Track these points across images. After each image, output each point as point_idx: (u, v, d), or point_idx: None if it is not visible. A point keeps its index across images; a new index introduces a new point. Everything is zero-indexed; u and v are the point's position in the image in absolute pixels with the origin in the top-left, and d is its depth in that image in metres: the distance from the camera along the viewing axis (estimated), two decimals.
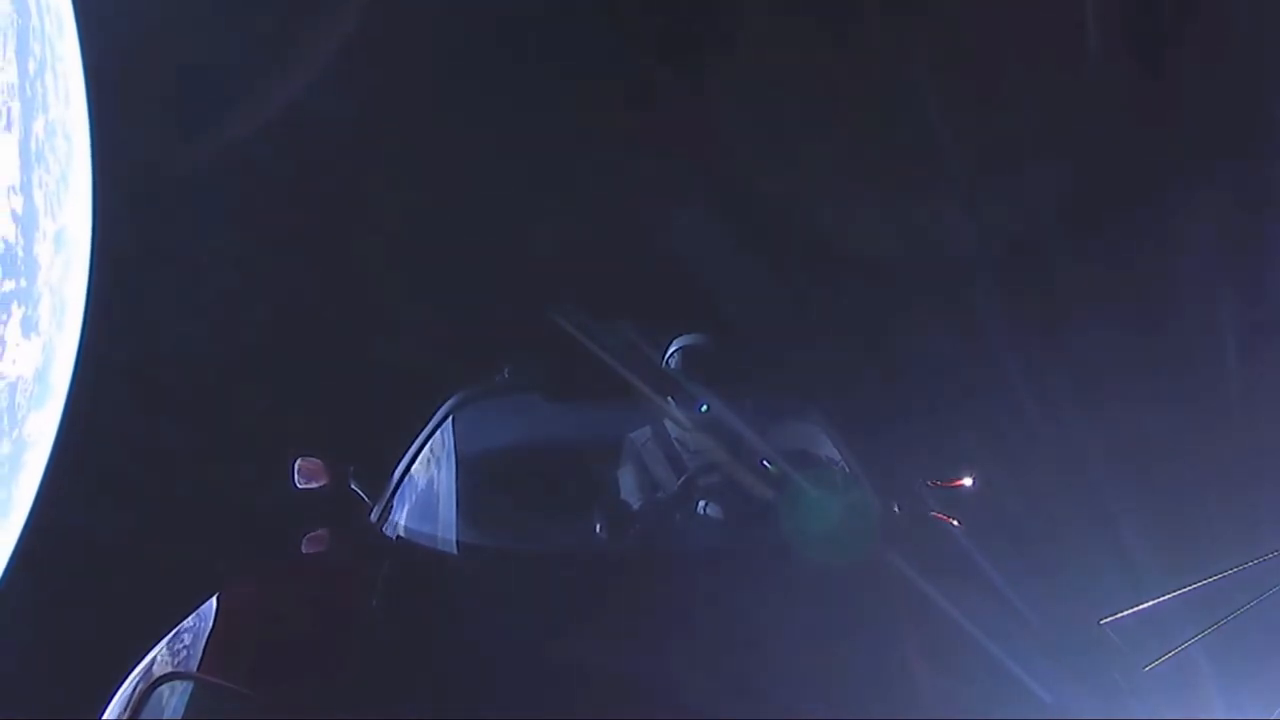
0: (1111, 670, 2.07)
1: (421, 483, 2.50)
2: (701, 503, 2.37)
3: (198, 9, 4.09)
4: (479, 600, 2.05)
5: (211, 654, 1.85)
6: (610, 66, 4.26)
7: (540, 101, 4.23)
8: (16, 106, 3.42)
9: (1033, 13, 4.31)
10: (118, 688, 1.91)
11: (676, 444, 2.49)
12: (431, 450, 2.56)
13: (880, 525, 2.42)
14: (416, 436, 2.61)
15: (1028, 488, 3.47)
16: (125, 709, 1.82)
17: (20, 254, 3.46)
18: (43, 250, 3.65)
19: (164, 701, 1.81)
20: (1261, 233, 4.20)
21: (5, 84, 3.35)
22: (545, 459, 2.58)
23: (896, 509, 2.53)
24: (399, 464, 2.57)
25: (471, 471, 2.44)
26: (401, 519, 2.41)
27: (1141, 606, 2.56)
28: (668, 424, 2.53)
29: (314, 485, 2.56)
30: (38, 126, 3.59)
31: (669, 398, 2.55)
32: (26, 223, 3.50)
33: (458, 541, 2.26)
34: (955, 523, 2.59)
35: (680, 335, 2.78)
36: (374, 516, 2.49)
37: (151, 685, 1.84)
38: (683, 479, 2.40)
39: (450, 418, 2.60)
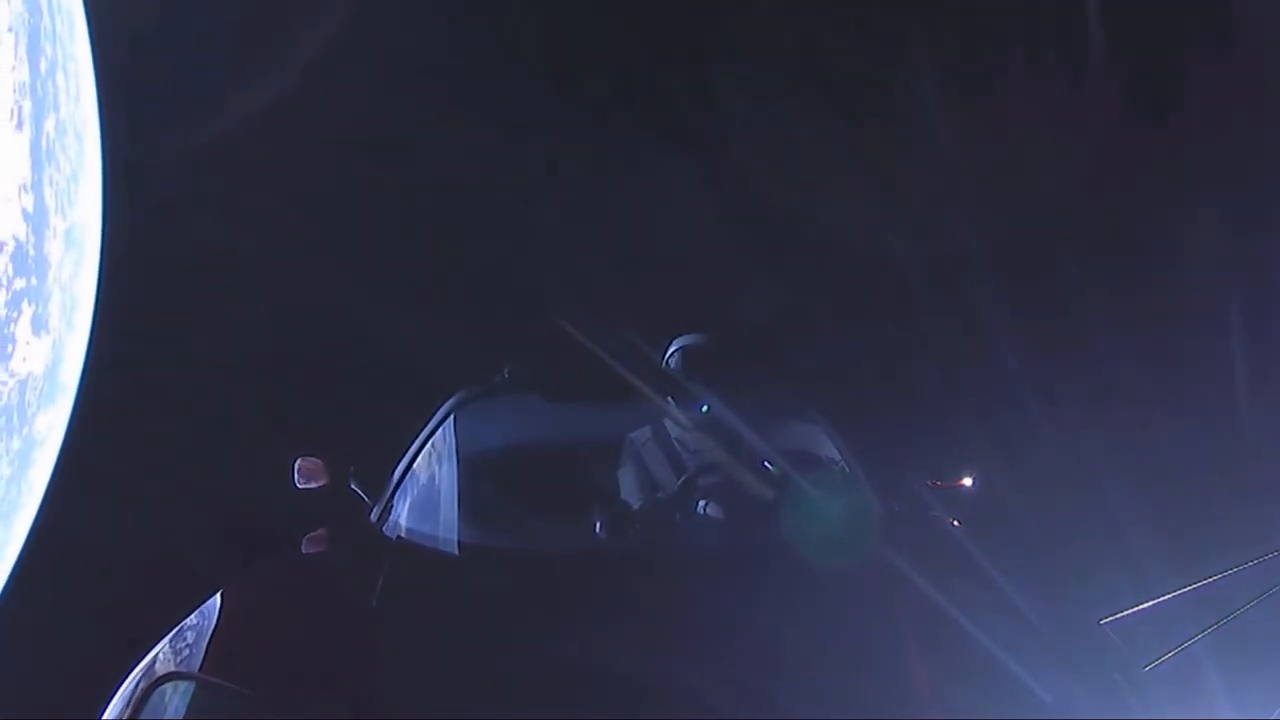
0: (1111, 670, 2.05)
1: (422, 483, 2.50)
2: (701, 503, 2.37)
3: (208, 9, 4.10)
4: (479, 600, 2.05)
5: (214, 653, 1.85)
6: (610, 66, 4.26)
7: (541, 101, 4.23)
8: (28, 105, 3.43)
9: (1036, 10, 4.30)
10: (118, 686, 1.92)
11: (676, 444, 2.48)
12: (431, 450, 2.56)
13: (880, 525, 2.41)
14: (416, 436, 2.61)
15: (1028, 488, 3.47)
16: (126, 707, 1.82)
17: (31, 252, 3.47)
18: (53, 248, 3.66)
19: (165, 701, 1.81)
20: (1268, 232, 4.19)
21: (17, 83, 3.36)
22: (545, 459, 2.58)
23: (896, 509, 2.52)
24: (399, 464, 2.57)
25: (471, 471, 2.44)
26: (401, 519, 2.41)
27: (1141, 606, 2.56)
28: (668, 424, 2.53)
29: (314, 485, 2.56)
30: (49, 125, 3.60)
31: (669, 398, 2.55)
32: (37, 221, 3.51)
33: (458, 541, 2.26)
34: (955, 523, 2.59)
35: (680, 335, 2.78)
36: (374, 516, 2.49)
37: (152, 685, 1.84)
38: (683, 479, 2.40)
39: (450, 418, 2.60)
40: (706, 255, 4.23)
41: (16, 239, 3.38)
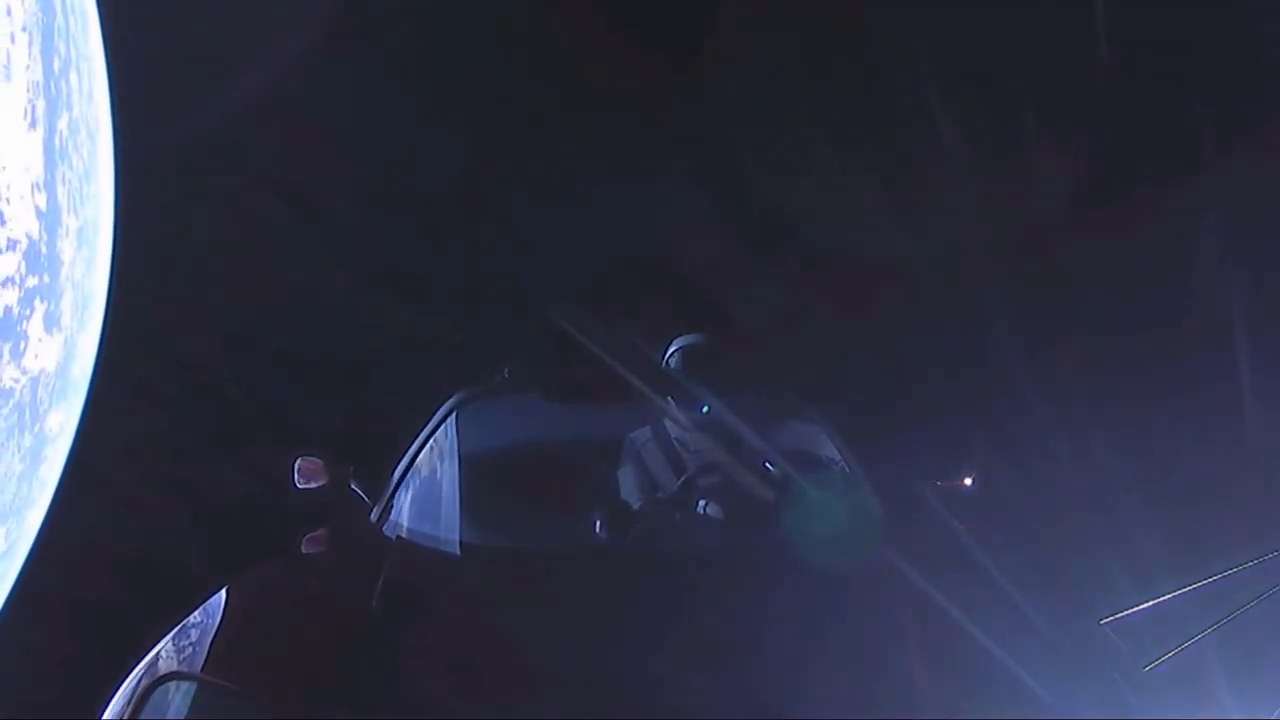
0: (1111, 670, 2.06)
1: (422, 483, 2.49)
2: (701, 503, 2.36)
3: (221, 8, 4.10)
4: (479, 600, 2.04)
5: (214, 653, 1.85)
6: (610, 65, 4.25)
7: (542, 99, 4.23)
8: (41, 104, 3.44)
9: (1038, 8, 4.30)
10: (119, 685, 1.91)
11: (676, 444, 2.48)
12: (431, 450, 2.55)
13: (880, 525, 2.40)
14: (416, 436, 2.61)
15: (1029, 488, 3.47)
16: (127, 706, 1.81)
17: (43, 250, 3.48)
18: (65, 246, 3.67)
19: (164, 700, 1.80)
20: (1275, 232, 4.18)
21: (30, 82, 3.36)
22: (545, 459, 2.57)
23: (897, 509, 2.51)
24: (399, 464, 2.57)
25: (472, 471, 2.43)
26: (401, 519, 2.40)
27: (1141, 606, 2.55)
28: (668, 424, 2.53)
29: (314, 485, 2.55)
30: (61, 124, 3.62)
31: (669, 398, 2.55)
32: (50, 219, 3.52)
33: (457, 541, 2.26)
34: (956, 523, 2.58)
35: (680, 335, 2.76)
36: (374, 516, 2.48)
37: (153, 684, 1.83)
38: (683, 479, 2.39)
39: (450, 418, 2.60)
40: (707, 255, 4.23)
41: (29, 237, 3.39)
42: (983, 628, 1.92)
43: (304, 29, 4.14)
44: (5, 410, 3.50)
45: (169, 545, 3.64)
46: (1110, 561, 2.90)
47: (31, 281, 3.45)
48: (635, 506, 2.39)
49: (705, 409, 2.50)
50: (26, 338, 3.48)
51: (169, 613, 2.03)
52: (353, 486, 2.59)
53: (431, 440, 2.57)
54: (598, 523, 2.28)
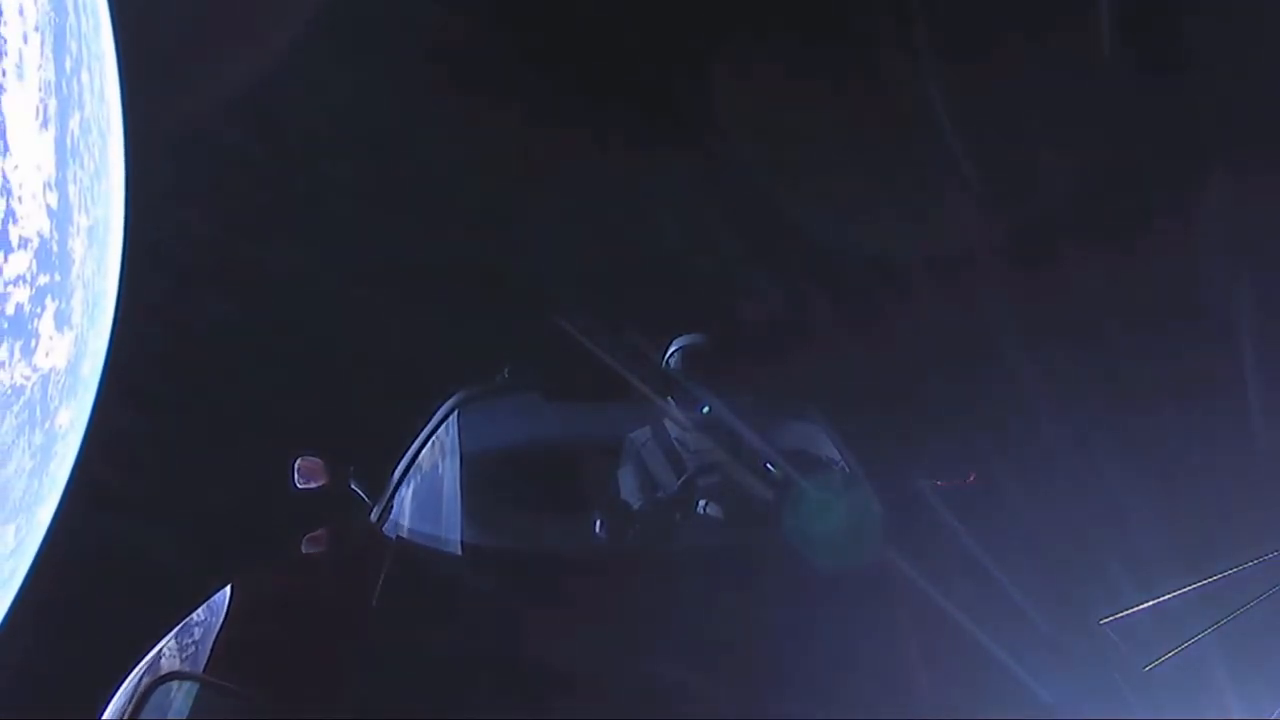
0: (1111, 670, 2.05)
1: (421, 482, 2.48)
2: (701, 503, 2.35)
3: (232, 8, 4.09)
4: (479, 600, 2.04)
5: (217, 652, 1.84)
6: (610, 64, 4.24)
7: (542, 99, 4.22)
8: (53, 103, 3.45)
9: (1040, 7, 4.27)
10: (119, 684, 1.90)
11: (676, 444, 2.46)
12: (431, 450, 2.54)
13: (880, 525, 2.38)
14: (416, 436, 2.59)
15: (1029, 488, 3.44)
16: (128, 705, 1.80)
17: (55, 249, 3.49)
18: (76, 245, 3.69)
19: (164, 700, 1.79)
20: (1275, 229, 4.14)
21: (43, 81, 3.37)
22: (545, 459, 2.56)
23: (897, 509, 2.49)
24: (399, 464, 2.56)
25: (471, 471, 2.41)
26: (401, 519, 2.39)
27: (1141, 606, 2.53)
28: (668, 424, 2.51)
29: (314, 485, 2.55)
30: (73, 123, 3.63)
31: (669, 398, 2.52)
32: (61, 218, 3.54)
33: (457, 541, 2.24)
34: (956, 522, 2.56)
35: (680, 335, 2.75)
36: (374, 516, 2.47)
37: (153, 684, 1.82)
38: (683, 479, 2.37)
39: (450, 417, 2.58)
40: (707, 255, 4.21)
41: (41, 235, 3.41)
42: (983, 628, 1.91)
43: (314, 28, 4.13)
44: (16, 407, 3.51)
45: (177, 542, 3.64)
46: (1110, 561, 2.88)
47: (43, 280, 3.46)
48: (635, 506, 2.37)
49: (706, 409, 2.48)
50: (37, 335, 3.49)
51: (170, 612, 2.02)
52: (353, 486, 2.59)
53: (431, 440, 2.56)
54: (598, 523, 2.26)
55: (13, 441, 3.55)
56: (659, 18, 4.30)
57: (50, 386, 3.68)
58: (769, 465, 2.39)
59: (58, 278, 3.59)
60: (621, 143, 4.24)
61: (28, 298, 3.42)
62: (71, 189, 3.66)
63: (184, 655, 1.89)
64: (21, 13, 3.31)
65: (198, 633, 1.94)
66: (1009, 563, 2.20)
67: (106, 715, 1.85)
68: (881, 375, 4.18)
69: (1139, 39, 4.22)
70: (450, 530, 2.28)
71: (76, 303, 3.80)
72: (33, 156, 3.36)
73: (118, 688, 1.89)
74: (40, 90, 3.39)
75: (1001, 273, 4.25)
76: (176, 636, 1.95)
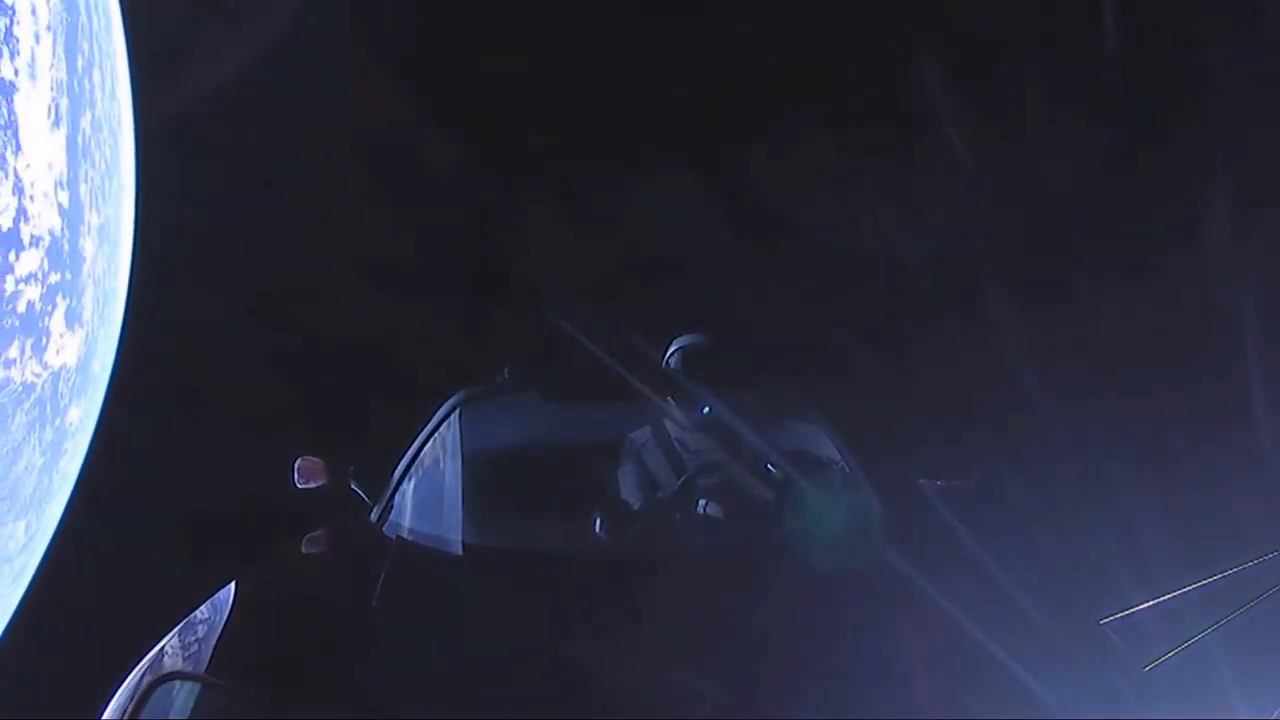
0: (1111, 670, 2.02)
1: (421, 483, 2.46)
2: (701, 503, 2.32)
3: (242, 6, 4.07)
4: (479, 600, 2.01)
5: (218, 652, 1.81)
6: (610, 63, 4.21)
7: (543, 98, 4.20)
8: (65, 102, 3.44)
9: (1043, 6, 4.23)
10: (120, 683, 1.87)
11: (676, 444, 2.44)
12: (432, 450, 2.52)
13: (880, 525, 2.36)
14: (416, 436, 2.57)
15: (1030, 487, 3.41)
16: (129, 704, 1.77)
17: (66, 247, 3.50)
18: (87, 244, 3.69)
19: (164, 700, 1.76)
20: (1277, 228, 4.10)
21: (55, 80, 3.37)
22: (545, 459, 2.54)
23: (897, 509, 2.46)
24: (399, 464, 2.53)
25: (471, 471, 2.40)
26: (401, 519, 2.37)
27: (1141, 606, 2.51)
28: (668, 424, 2.48)
29: (314, 485, 2.53)
30: (84, 122, 3.63)
31: (669, 398, 2.50)
32: (72, 217, 3.54)
33: (458, 541, 2.22)
34: (956, 521, 2.53)
35: (680, 335, 2.71)
36: (374, 516, 2.45)
37: (153, 684, 1.80)
38: (683, 479, 2.35)
39: (450, 418, 2.56)
40: (707, 255, 4.19)
41: (52, 233, 3.41)
42: (983, 627, 1.87)
43: (331, 28, 4.11)
44: (27, 405, 3.50)
45: (181, 542, 3.63)
46: (1111, 560, 2.84)
47: (54, 278, 3.46)
48: (635, 507, 2.35)
49: (706, 409, 2.45)
50: (48, 333, 3.49)
51: (169, 611, 1.99)
52: (353, 486, 2.57)
53: (432, 440, 2.54)
54: (598, 523, 2.24)
55: (23, 438, 3.55)
56: (659, 17, 4.28)
57: (61, 384, 3.68)
58: (769, 465, 2.36)
59: (69, 276, 3.59)
60: (622, 142, 4.22)
61: (39, 296, 3.42)
62: (83, 188, 3.67)
63: (187, 653, 1.86)
64: (34, 12, 3.30)
65: (201, 630, 1.91)
66: (1009, 563, 2.17)
67: (107, 715, 1.83)
68: (882, 375, 4.15)
69: (1142, 37, 4.17)
70: (450, 530, 2.26)
71: (87, 301, 3.80)
72: (44, 155, 3.36)
73: (118, 686, 1.87)
74: (52, 89, 3.39)
75: (1003, 273, 4.22)
76: (180, 634, 1.93)
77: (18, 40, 3.19)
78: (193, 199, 4.15)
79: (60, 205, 3.49)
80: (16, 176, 3.22)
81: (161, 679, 1.80)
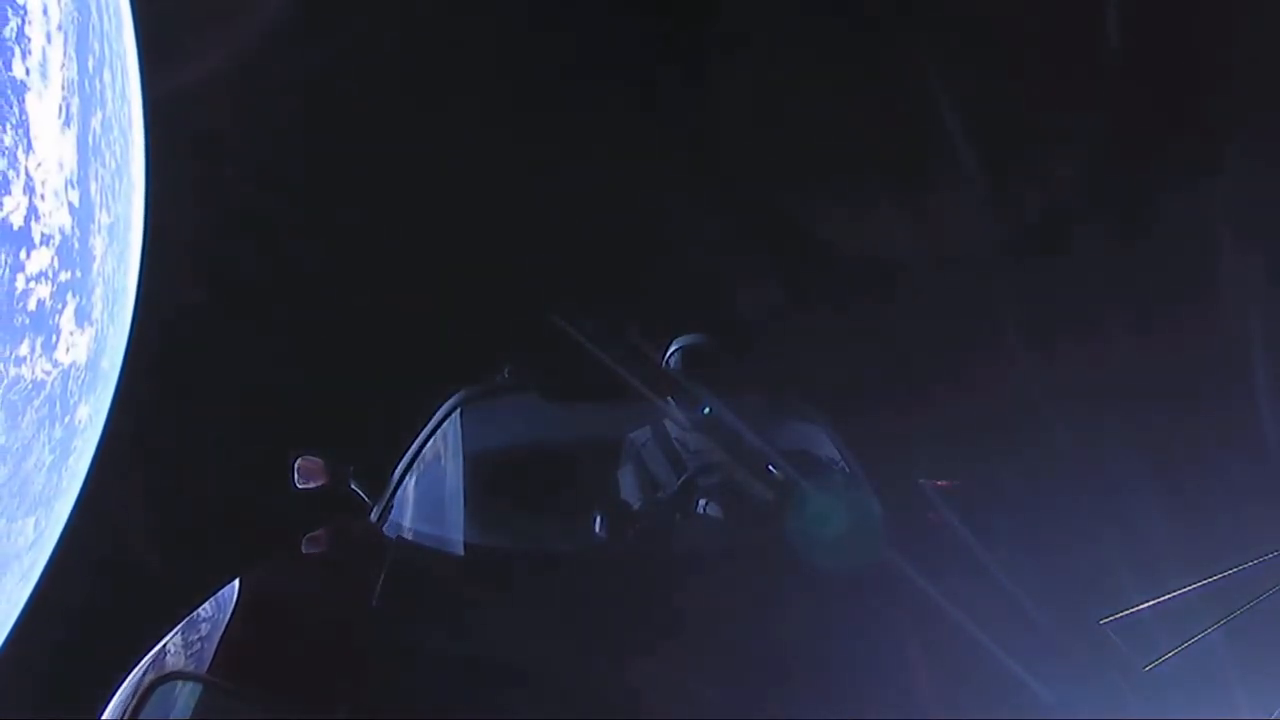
0: (1111, 670, 2.00)
1: (421, 482, 2.44)
2: (701, 503, 2.29)
3: (253, 6, 4.06)
4: (479, 600, 1.99)
5: (222, 650, 1.80)
6: (612, 63, 4.19)
7: (543, 98, 4.18)
8: (76, 102, 3.44)
9: (1044, 6, 4.20)
10: (120, 682, 1.85)
11: (676, 444, 2.41)
12: (431, 450, 2.50)
13: (881, 525, 2.33)
14: (416, 436, 2.54)
15: (1029, 487, 3.39)
16: (129, 703, 1.75)
17: (76, 245, 3.50)
18: (97, 242, 3.69)
19: (171, 698, 1.75)
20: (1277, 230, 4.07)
21: (66, 80, 3.36)
22: (545, 459, 2.51)
23: (897, 509, 2.44)
24: (399, 464, 2.51)
25: (472, 471, 2.38)
26: (402, 519, 2.35)
27: (1141, 606, 2.49)
28: (668, 424, 2.45)
29: (314, 485, 2.51)
30: (95, 121, 3.63)
31: (669, 398, 2.47)
32: (83, 215, 3.54)
33: (458, 541, 2.21)
34: (956, 522, 2.50)
35: (680, 335, 2.69)
36: (374, 516, 2.43)
37: (155, 683, 1.78)
38: (683, 479, 2.32)
39: (450, 417, 2.54)
40: (707, 254, 4.17)
41: (63, 232, 3.41)
42: (983, 627, 1.85)
43: (343, 24, 4.10)
44: (37, 402, 3.49)
45: (184, 540, 3.61)
46: (1112, 560, 2.82)
47: (64, 276, 3.46)
48: (636, 507, 2.32)
49: (707, 409, 2.42)
50: (58, 331, 3.49)
51: (169, 610, 1.97)
52: (353, 486, 2.55)
53: (432, 440, 2.52)
54: (598, 523, 2.21)
55: (33, 436, 3.54)
56: (659, 17, 4.25)
57: (70, 382, 3.68)
58: (769, 465, 2.33)
59: (79, 274, 3.59)
60: (622, 142, 4.19)
61: (49, 294, 3.41)
62: (93, 186, 3.67)
63: (189, 652, 1.85)
64: (45, 12, 3.30)
65: (204, 629, 1.90)
66: (1009, 563, 2.15)
67: (108, 714, 1.81)
68: (882, 374, 4.13)
69: (1144, 39, 4.12)
70: (450, 530, 2.25)
71: (97, 299, 3.80)
72: (55, 154, 3.36)
73: (119, 685, 1.85)
74: (63, 89, 3.39)
75: (1003, 271, 4.19)
76: (182, 632, 1.91)
77: (29, 40, 3.19)
78: (201, 198, 4.14)
79: (71, 204, 3.49)
80: (28, 175, 3.21)
81: (163, 678, 1.79)
